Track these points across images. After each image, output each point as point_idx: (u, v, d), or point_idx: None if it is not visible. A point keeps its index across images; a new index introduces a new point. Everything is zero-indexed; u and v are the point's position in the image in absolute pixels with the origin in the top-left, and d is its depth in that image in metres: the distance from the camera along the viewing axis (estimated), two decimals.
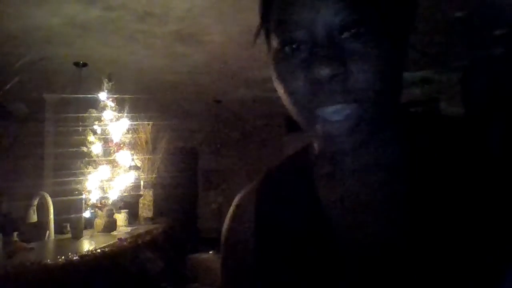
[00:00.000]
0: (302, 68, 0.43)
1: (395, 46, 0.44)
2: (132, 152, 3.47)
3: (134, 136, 3.69)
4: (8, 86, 3.17)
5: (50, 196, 2.71)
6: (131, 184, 3.39)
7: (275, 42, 0.45)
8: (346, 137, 0.43)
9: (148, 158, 4.12)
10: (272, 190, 0.56)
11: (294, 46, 0.43)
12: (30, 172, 4.28)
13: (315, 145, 0.53)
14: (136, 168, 3.61)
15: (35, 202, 2.62)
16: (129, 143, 3.38)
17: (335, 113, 0.42)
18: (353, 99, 0.41)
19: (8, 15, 2.52)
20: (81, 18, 2.58)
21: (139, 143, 3.98)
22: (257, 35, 0.50)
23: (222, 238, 0.60)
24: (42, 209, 2.67)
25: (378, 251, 0.45)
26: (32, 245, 2.40)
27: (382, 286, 0.44)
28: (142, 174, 3.96)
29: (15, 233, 2.35)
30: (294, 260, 0.49)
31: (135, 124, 3.69)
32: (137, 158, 3.83)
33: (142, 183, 3.93)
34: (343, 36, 0.41)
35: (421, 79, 4.10)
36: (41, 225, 2.72)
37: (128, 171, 3.30)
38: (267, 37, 0.49)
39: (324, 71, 0.40)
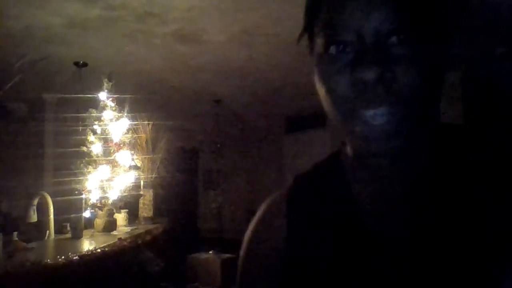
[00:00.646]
0: (348, 70, 0.43)
1: (439, 51, 0.45)
2: (132, 152, 3.47)
3: (134, 136, 3.69)
4: (8, 86, 3.17)
5: (50, 196, 2.71)
6: (131, 184, 3.39)
7: (320, 43, 0.46)
8: (386, 140, 0.43)
9: (148, 158, 4.12)
10: (304, 198, 0.55)
11: (340, 47, 0.44)
12: (30, 172, 4.28)
13: (349, 149, 0.52)
14: (136, 168, 3.61)
15: (35, 201, 2.62)
16: (129, 143, 3.38)
17: (377, 116, 0.42)
18: (396, 103, 0.42)
19: (8, 15, 2.52)
20: (81, 18, 2.58)
21: (139, 143, 3.98)
22: (302, 35, 0.51)
23: (247, 240, 0.60)
24: (42, 208, 2.67)
25: (411, 256, 0.46)
26: (32, 244, 2.40)
27: None
28: (142, 174, 3.96)
29: (15, 233, 2.35)
30: (329, 267, 0.49)
31: (135, 124, 3.69)
32: (137, 158, 3.83)
33: (142, 183, 3.93)
34: (390, 41, 0.42)
35: None
36: (41, 225, 2.72)
37: (128, 171, 3.30)
38: (311, 37, 0.49)
39: (370, 74, 0.41)
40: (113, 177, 3.14)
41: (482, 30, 2.88)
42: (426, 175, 0.50)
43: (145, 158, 4.06)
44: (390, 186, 0.50)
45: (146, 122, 4.04)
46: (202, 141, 6.45)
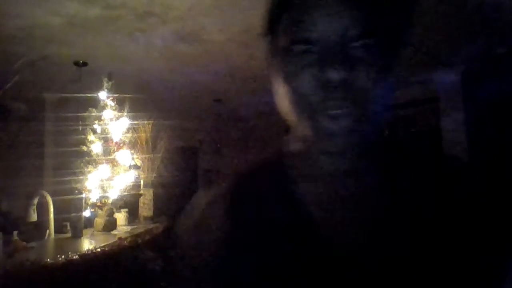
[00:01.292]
0: (312, 68, 0.45)
1: (395, 56, 0.48)
2: (132, 151, 3.47)
3: (134, 135, 3.69)
4: (8, 86, 3.17)
5: (50, 195, 2.71)
6: (131, 183, 3.39)
7: (284, 40, 0.47)
8: (346, 137, 0.45)
9: (148, 157, 4.12)
10: (245, 196, 0.55)
11: (305, 47, 0.45)
12: (30, 171, 4.28)
13: (294, 146, 0.54)
14: (136, 167, 3.61)
15: (35, 201, 2.62)
16: (129, 142, 3.38)
17: (341, 113, 0.45)
18: (356, 102, 0.44)
19: (8, 14, 2.52)
20: (81, 17, 2.58)
21: (139, 142, 3.98)
22: (264, 31, 0.52)
23: (182, 234, 0.58)
24: (42, 208, 2.67)
25: (355, 251, 0.47)
26: (32, 244, 2.40)
27: (359, 283, 0.46)
28: (142, 173, 3.96)
29: (15, 232, 2.36)
30: (269, 262, 0.49)
31: (135, 123, 3.69)
32: (137, 157, 3.83)
33: (142, 182, 3.93)
34: (353, 45, 0.44)
35: (421, 79, 4.10)
36: (41, 224, 2.72)
37: (128, 170, 3.30)
38: (274, 35, 0.50)
39: (336, 74, 0.43)
40: (113, 176, 3.14)
41: (482, 30, 2.88)
42: (376, 174, 0.52)
43: (145, 157, 4.06)
44: (342, 184, 0.51)
45: (146, 122, 4.04)
46: (202, 141, 6.45)
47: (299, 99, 0.47)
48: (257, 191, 0.55)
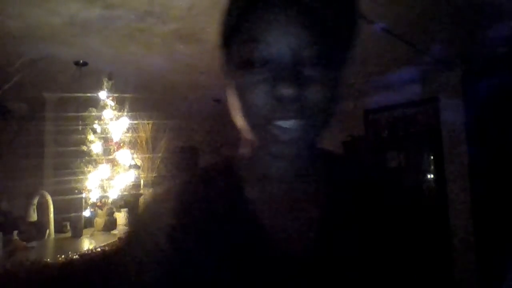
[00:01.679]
0: (266, 85, 0.49)
1: (340, 75, 0.54)
2: (132, 151, 3.47)
3: (134, 135, 3.69)
4: (8, 86, 3.17)
5: (50, 195, 2.71)
6: (131, 183, 3.39)
7: (239, 56, 0.52)
8: (296, 144, 0.50)
9: (148, 157, 4.12)
10: (191, 193, 0.58)
11: (259, 64, 0.50)
12: (30, 171, 4.28)
13: (244, 151, 0.60)
14: (136, 167, 3.61)
15: (35, 201, 2.62)
16: (129, 142, 3.38)
17: (291, 125, 0.49)
18: (307, 115, 0.49)
19: (8, 14, 2.52)
20: (81, 17, 2.58)
21: (139, 142, 3.98)
22: (221, 48, 0.59)
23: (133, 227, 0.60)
24: (42, 208, 2.67)
25: (298, 251, 0.53)
26: (32, 244, 2.40)
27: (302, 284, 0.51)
28: (142, 173, 3.96)
29: (15, 232, 2.36)
30: (216, 256, 0.52)
31: (135, 123, 3.69)
32: (137, 157, 3.83)
33: (142, 182, 3.93)
34: (304, 63, 0.49)
35: (421, 79, 4.10)
36: (41, 224, 2.72)
37: (128, 170, 3.30)
38: (229, 48, 0.56)
39: (289, 91, 0.47)
40: (113, 176, 3.14)
41: (482, 30, 2.88)
42: (319, 180, 0.59)
43: (145, 157, 4.06)
44: (288, 188, 0.57)
45: (146, 122, 4.03)
46: (202, 141, 6.45)
47: (251, 111, 0.51)
48: (205, 191, 0.58)
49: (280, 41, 0.49)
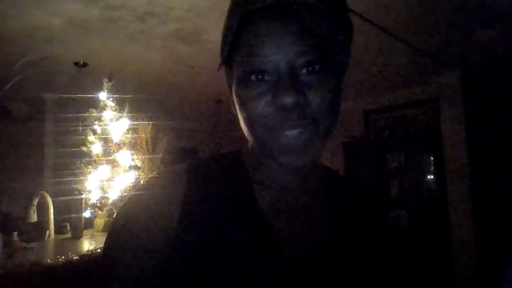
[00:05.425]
0: (267, 95, 0.50)
1: (339, 81, 0.55)
2: (132, 152, 3.47)
3: (134, 136, 3.69)
4: (8, 86, 3.17)
5: (50, 195, 2.71)
6: (131, 184, 3.38)
7: (241, 71, 0.53)
8: (302, 152, 0.51)
9: (148, 158, 4.12)
10: (203, 181, 0.57)
11: (259, 76, 0.51)
12: (30, 172, 4.27)
13: (253, 157, 0.61)
14: (136, 168, 3.60)
15: (35, 201, 2.62)
16: (129, 143, 3.37)
17: (295, 133, 0.50)
18: (310, 122, 0.50)
19: (8, 15, 2.52)
20: (81, 18, 2.58)
21: (139, 143, 3.97)
22: (222, 63, 0.60)
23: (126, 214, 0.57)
24: (42, 208, 2.67)
25: (303, 257, 0.54)
26: (32, 244, 2.40)
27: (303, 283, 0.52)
28: (142, 173, 3.95)
29: (15, 233, 2.35)
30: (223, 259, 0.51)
31: (135, 124, 3.68)
32: (137, 158, 3.83)
33: (142, 183, 3.92)
34: (302, 72, 0.50)
35: (421, 79, 4.10)
36: (41, 225, 2.71)
37: (128, 171, 3.30)
38: (230, 65, 0.58)
39: (289, 99, 0.48)
40: (113, 177, 3.14)
41: (482, 29, 2.88)
42: (321, 187, 0.61)
43: (145, 158, 4.06)
44: (294, 196, 0.59)
45: (146, 122, 4.03)
46: (202, 141, 6.45)
47: (259, 122, 0.52)
48: (216, 185, 0.57)
49: (277, 50, 0.50)
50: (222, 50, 0.58)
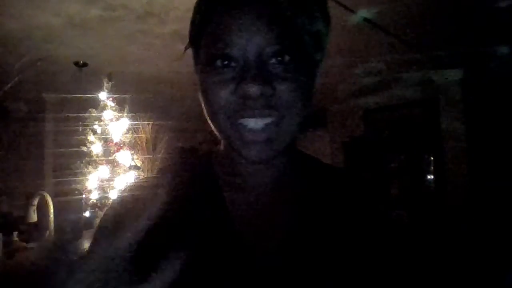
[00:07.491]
0: (232, 83, 0.48)
1: (310, 72, 0.52)
2: (132, 152, 3.47)
3: (134, 136, 3.69)
4: (8, 86, 3.17)
5: (50, 195, 2.71)
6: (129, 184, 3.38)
7: (206, 56, 0.51)
8: (265, 145, 0.49)
9: (148, 158, 4.12)
10: (175, 186, 0.55)
11: (225, 62, 0.48)
12: (30, 172, 4.27)
13: (220, 153, 0.59)
14: (136, 168, 3.60)
15: (35, 201, 2.62)
16: (129, 143, 3.37)
17: (259, 124, 0.48)
18: (275, 114, 0.48)
19: (8, 15, 2.52)
20: (81, 17, 2.58)
21: (139, 143, 3.98)
22: (187, 47, 0.58)
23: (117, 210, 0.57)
24: (42, 208, 2.67)
25: (274, 256, 0.51)
26: (32, 244, 2.40)
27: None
28: (143, 174, 3.95)
29: (15, 233, 2.36)
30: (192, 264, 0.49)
31: (135, 124, 3.68)
32: (137, 158, 3.83)
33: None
34: (271, 61, 0.47)
35: (421, 79, 4.10)
36: (41, 225, 2.72)
37: (128, 171, 3.30)
38: (197, 49, 0.55)
39: (254, 89, 0.46)
40: (113, 177, 3.14)
41: (482, 29, 2.88)
42: (291, 184, 0.56)
43: (145, 158, 4.06)
44: (263, 193, 0.55)
45: (146, 122, 4.03)
46: (202, 141, 6.45)
47: (220, 111, 0.49)
48: (185, 186, 0.56)
49: (245, 37, 0.47)
50: (190, 31, 0.56)
